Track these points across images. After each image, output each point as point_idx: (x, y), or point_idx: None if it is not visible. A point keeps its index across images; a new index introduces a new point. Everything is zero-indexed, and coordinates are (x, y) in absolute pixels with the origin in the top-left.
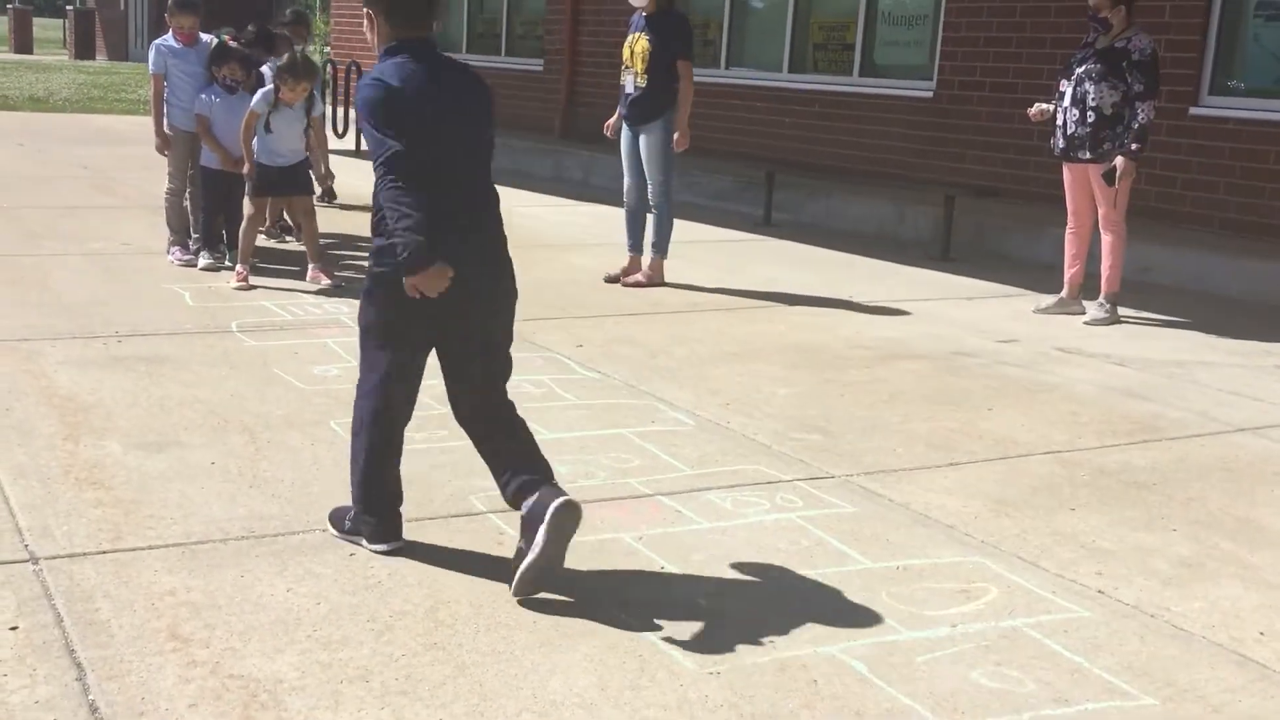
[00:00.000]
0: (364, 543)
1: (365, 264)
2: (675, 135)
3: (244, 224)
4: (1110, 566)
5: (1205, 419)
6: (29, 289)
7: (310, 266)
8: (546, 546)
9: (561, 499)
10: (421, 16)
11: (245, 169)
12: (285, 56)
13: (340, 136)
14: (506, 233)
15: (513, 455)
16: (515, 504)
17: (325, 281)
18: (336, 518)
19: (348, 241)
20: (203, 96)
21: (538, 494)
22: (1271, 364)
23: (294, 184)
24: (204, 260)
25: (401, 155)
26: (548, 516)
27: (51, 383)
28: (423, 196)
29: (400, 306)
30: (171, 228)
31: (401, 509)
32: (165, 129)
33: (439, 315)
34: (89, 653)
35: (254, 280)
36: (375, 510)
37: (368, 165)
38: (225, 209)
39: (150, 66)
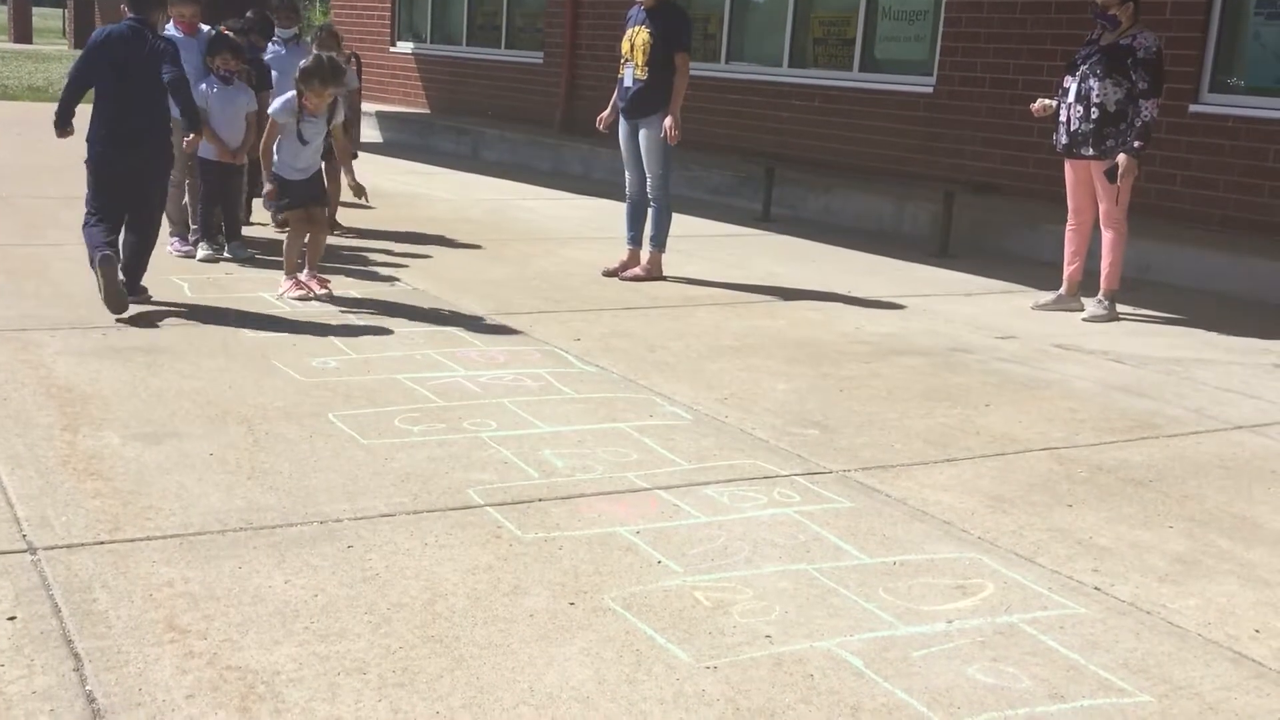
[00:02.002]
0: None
1: (366, 255)
2: (666, 125)
3: (287, 240)
4: (1106, 563)
5: (1203, 416)
6: (28, 279)
7: (305, 272)
8: (101, 282)
9: (100, 254)
10: (143, 9)
11: (266, 190)
12: (310, 57)
13: None
14: (505, 223)
15: (130, 247)
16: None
17: (319, 290)
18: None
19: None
20: (200, 87)
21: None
22: (1269, 362)
23: (312, 194)
24: (202, 251)
25: (74, 77)
26: (95, 267)
27: (50, 373)
28: (73, 96)
29: (97, 158)
30: (170, 219)
31: (120, 278)
32: None
33: (116, 165)
34: (87, 643)
35: (250, 272)
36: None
37: (370, 157)
38: (223, 199)
39: None
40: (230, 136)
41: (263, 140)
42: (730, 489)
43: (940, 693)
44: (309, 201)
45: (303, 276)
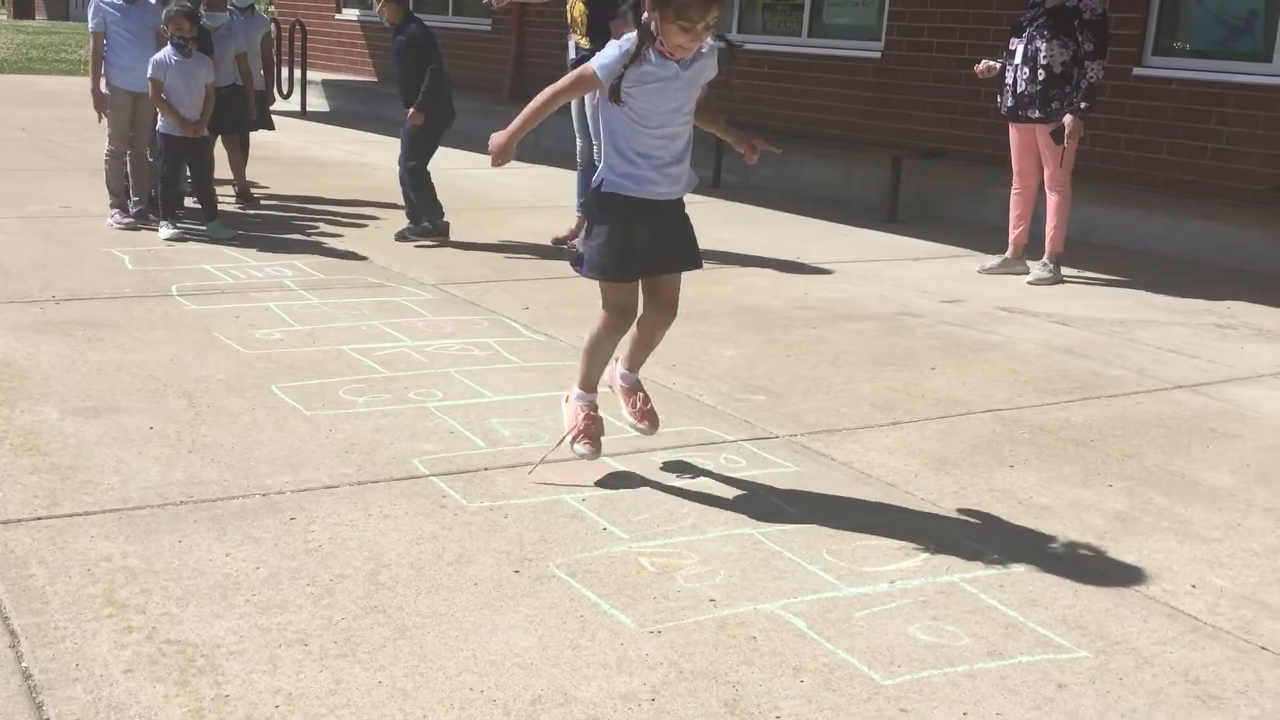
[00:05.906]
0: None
1: (311, 225)
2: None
3: (597, 327)
4: (1047, 522)
5: (1144, 376)
6: None
7: (622, 381)
8: None
9: None
10: None
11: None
12: None
13: (285, 98)
14: (453, 193)
15: None
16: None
17: (638, 423)
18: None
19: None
20: (158, 58)
21: None
22: (1210, 322)
23: (675, 249)
24: (167, 231)
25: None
26: None
27: None
28: None
29: None
30: (111, 190)
31: None
32: (103, 89)
33: None
34: (22, 619)
35: (192, 245)
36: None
37: (315, 126)
38: (195, 176)
39: (90, 24)
40: (190, 110)
41: (565, 98)
42: (677, 455)
43: (881, 651)
44: (665, 263)
45: (591, 402)
